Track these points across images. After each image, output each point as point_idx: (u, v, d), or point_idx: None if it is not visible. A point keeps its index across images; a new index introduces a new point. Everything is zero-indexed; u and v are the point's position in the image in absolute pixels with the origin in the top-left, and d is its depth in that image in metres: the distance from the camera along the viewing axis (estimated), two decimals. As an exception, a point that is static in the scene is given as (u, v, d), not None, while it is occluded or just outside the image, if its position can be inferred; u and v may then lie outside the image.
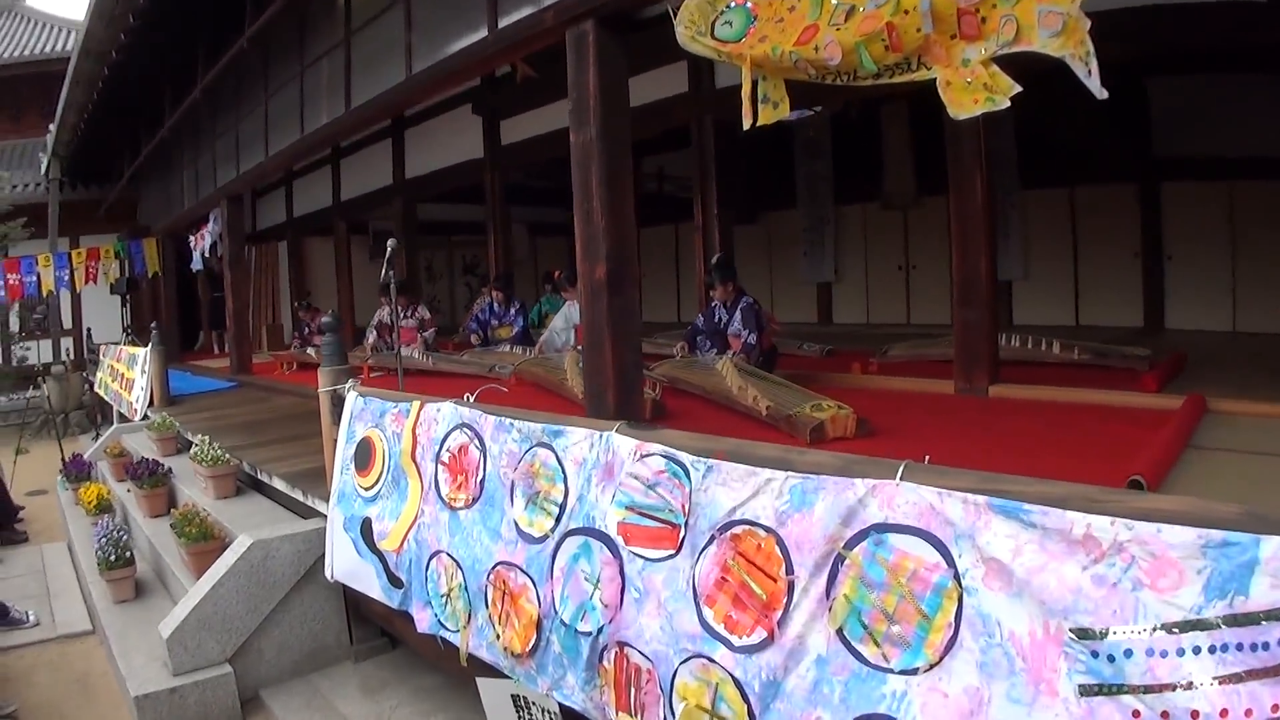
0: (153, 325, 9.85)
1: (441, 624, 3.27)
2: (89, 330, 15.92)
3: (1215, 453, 3.97)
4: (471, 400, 3.32)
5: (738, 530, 2.21)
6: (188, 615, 4.38)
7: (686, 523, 2.32)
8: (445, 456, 3.22)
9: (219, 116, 10.91)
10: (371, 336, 9.79)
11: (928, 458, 2.08)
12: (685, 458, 2.34)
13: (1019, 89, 2.98)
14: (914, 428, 4.71)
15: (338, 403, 4.22)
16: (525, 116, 9.69)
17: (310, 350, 10.66)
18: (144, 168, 15.36)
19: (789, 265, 13.51)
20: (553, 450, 2.71)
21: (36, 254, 14.13)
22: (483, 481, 3.00)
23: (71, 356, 14.97)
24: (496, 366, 7.97)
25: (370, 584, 3.78)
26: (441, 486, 3.23)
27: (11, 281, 13.56)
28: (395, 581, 3.58)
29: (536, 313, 11.49)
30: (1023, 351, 6.84)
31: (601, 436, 2.55)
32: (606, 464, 2.53)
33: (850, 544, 2.00)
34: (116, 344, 11.38)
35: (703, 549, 2.26)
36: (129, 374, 9.85)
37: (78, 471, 8.13)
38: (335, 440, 4.16)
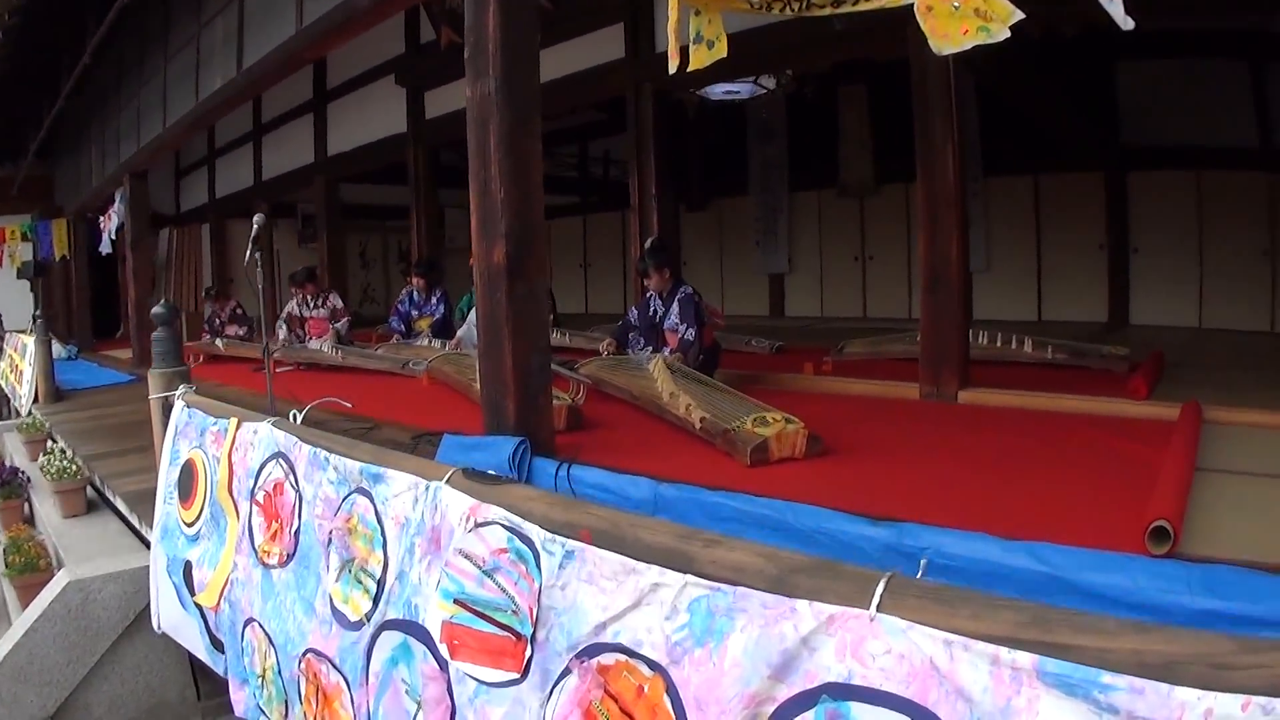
0: (35, 313, 8.91)
1: (261, 710, 2.51)
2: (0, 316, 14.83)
3: (1228, 477, 3.37)
4: (299, 418, 2.54)
5: (608, 659, 1.45)
6: (0, 664, 3.60)
7: (535, 635, 1.56)
8: (260, 495, 2.45)
9: (124, 85, 10.01)
10: (282, 330, 8.93)
11: (924, 563, 1.33)
12: (535, 533, 1.56)
13: (1020, 16, 2.28)
14: (875, 444, 4.01)
15: (170, 413, 3.41)
16: (451, 87, 8.88)
17: (219, 342, 9.77)
18: (54, 143, 14.36)
19: (741, 255, 13.01)
20: (372, 501, 1.95)
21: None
22: (297, 533, 2.23)
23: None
24: (410, 363, 7.17)
25: (195, 642, 3.02)
26: (255, 534, 2.46)
27: (-101, 265, 12.45)
28: (217, 644, 2.82)
29: (466, 303, 10.68)
30: (992, 350, 6.27)
31: (428, 489, 1.77)
32: (433, 530, 1.76)
33: (786, 714, 1.22)
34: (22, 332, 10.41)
35: (558, 680, 1.51)
36: (21, 365, 8.95)
37: (-55, 475, 7.19)
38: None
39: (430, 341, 8.13)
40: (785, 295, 12.66)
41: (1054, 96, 8.05)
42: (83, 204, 12.89)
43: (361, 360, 7.77)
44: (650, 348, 5.74)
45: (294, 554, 2.24)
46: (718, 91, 9.53)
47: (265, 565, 2.38)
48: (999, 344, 6.30)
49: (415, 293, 8.69)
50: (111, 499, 4.76)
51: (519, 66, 3.53)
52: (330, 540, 2.07)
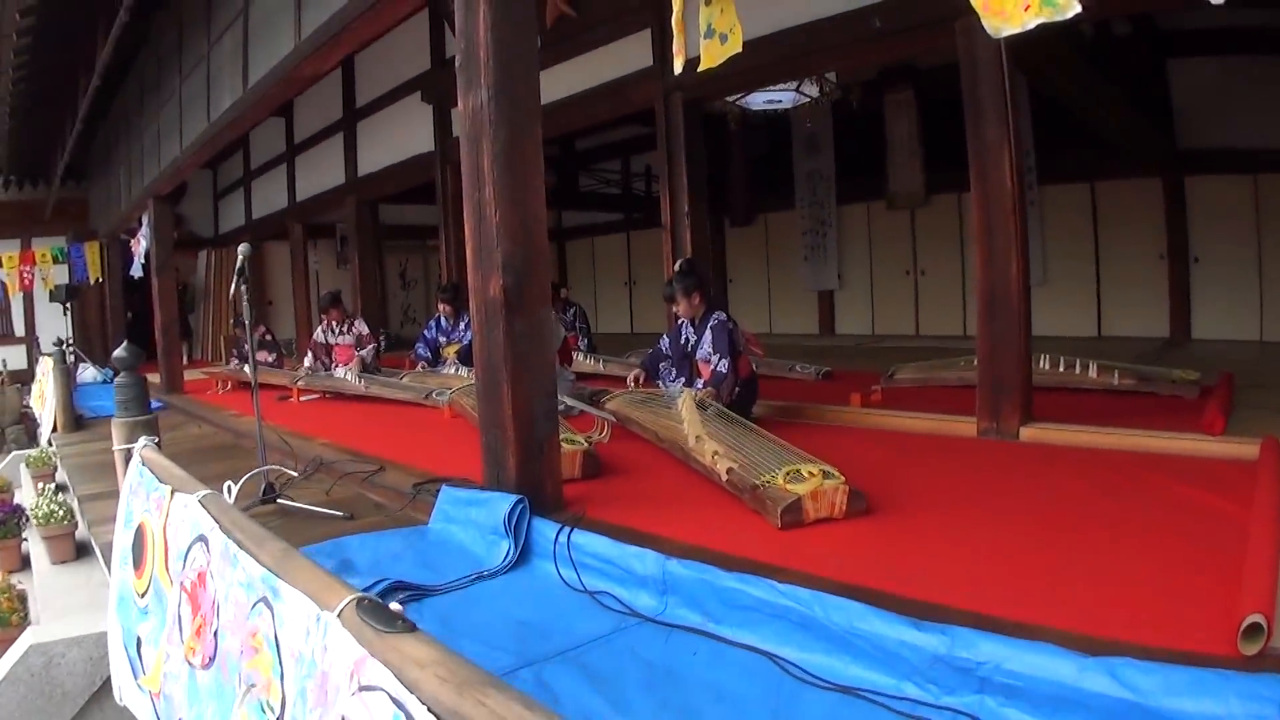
0: (56, 341, 8.72)
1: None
2: (39, 340, 14.82)
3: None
4: (233, 492, 2.14)
5: None
6: (-43, 741, 3.27)
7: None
8: (186, 582, 2.05)
9: (145, 107, 9.85)
10: (309, 358, 8.65)
11: None
12: (419, 714, 1.11)
13: (1085, -4, 1.89)
14: (926, 499, 3.50)
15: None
16: (479, 103, 8.52)
17: (247, 369, 9.49)
18: (88, 166, 14.37)
19: (789, 271, 12.60)
20: (273, 619, 1.54)
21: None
22: (216, 635, 1.83)
23: (7, 368, 13.78)
24: (434, 393, 6.82)
25: (148, 723, 2.63)
26: (183, 626, 2.06)
27: (-72, 288, 12.39)
28: (164, 737, 2.44)
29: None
30: (1054, 375, 5.75)
31: (319, 620, 1.34)
32: (322, 675, 1.33)
33: None
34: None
35: None
36: (45, 391, 8.77)
37: (-48, 509, 6.96)
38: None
39: (457, 369, 7.77)
40: (835, 312, 12.18)
41: (1108, 98, 7.52)
42: (114, 226, 12.77)
43: (385, 390, 7.44)
44: (682, 379, 5.29)
45: (214, 658, 1.85)
46: (758, 101, 9.08)
47: (190, 664, 1.99)
48: (1061, 369, 5.77)
49: (443, 319, 8.34)
50: (94, 549, 4.42)
51: (515, 74, 3.13)
52: (240, 657, 1.67)
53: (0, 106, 10.72)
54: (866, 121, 10.55)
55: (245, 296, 4.03)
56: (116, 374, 3.39)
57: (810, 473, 3.25)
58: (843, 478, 3.24)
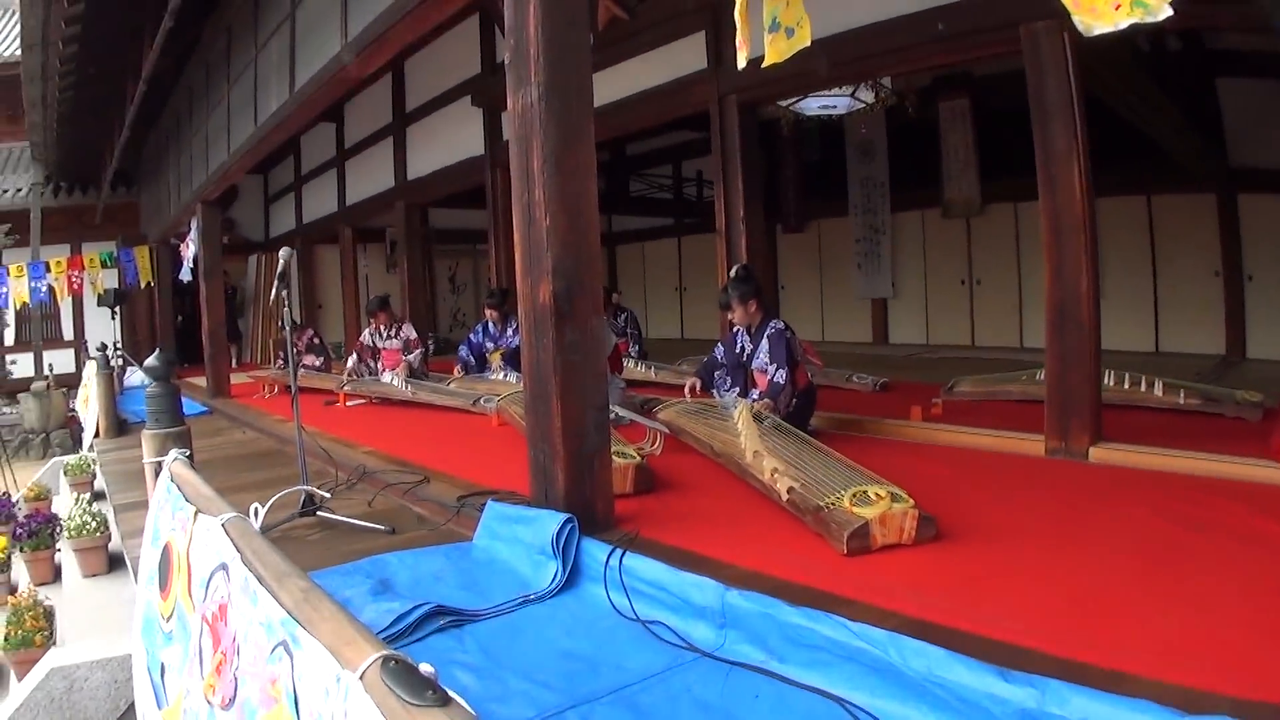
0: (100, 345, 8.73)
1: None
2: (87, 344, 14.99)
3: None
4: (259, 514, 1.99)
5: None
6: (-15, 755, 3.19)
7: None
8: (209, 612, 1.90)
9: (194, 113, 9.88)
10: (352, 359, 8.57)
11: None
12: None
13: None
14: (999, 525, 3.27)
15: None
16: (529, 106, 8.41)
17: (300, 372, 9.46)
18: (138, 171, 14.52)
19: (842, 279, 12.39)
20: (292, 668, 1.37)
21: (9, 264, 13.13)
22: (236, 676, 1.67)
23: (53, 372, 13.93)
24: (482, 399, 6.69)
25: (172, 762, 2.50)
26: (204, 660, 1.91)
27: (-23, 293, 12.53)
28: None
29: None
30: (1119, 393, 5.51)
31: (339, 681, 1.17)
32: None
33: None
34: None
35: None
36: (90, 395, 8.78)
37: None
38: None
39: (505, 375, 7.64)
40: (889, 321, 11.93)
41: (1164, 111, 7.29)
42: (164, 231, 12.85)
43: (432, 396, 7.33)
44: (737, 389, 5.10)
45: (234, 700, 1.69)
46: (813, 106, 8.90)
47: (209, 702, 1.84)
48: (1127, 385, 5.53)
49: (490, 325, 8.22)
50: (126, 562, 4.32)
51: (566, 71, 2.98)
52: (258, 705, 1.52)
53: (49, 113, 10.86)
54: (922, 129, 10.36)
55: (286, 303, 3.91)
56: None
57: (878, 495, 3.05)
58: (912, 501, 3.03)
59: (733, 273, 5.33)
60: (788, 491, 3.24)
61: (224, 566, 1.80)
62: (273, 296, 3.87)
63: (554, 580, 2.79)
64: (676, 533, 3.11)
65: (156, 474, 2.93)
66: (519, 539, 3.05)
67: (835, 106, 9.12)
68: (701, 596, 2.45)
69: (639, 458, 3.84)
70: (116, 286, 14.22)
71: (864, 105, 9.08)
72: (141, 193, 15.08)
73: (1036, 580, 2.68)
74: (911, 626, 2.22)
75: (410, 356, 8.25)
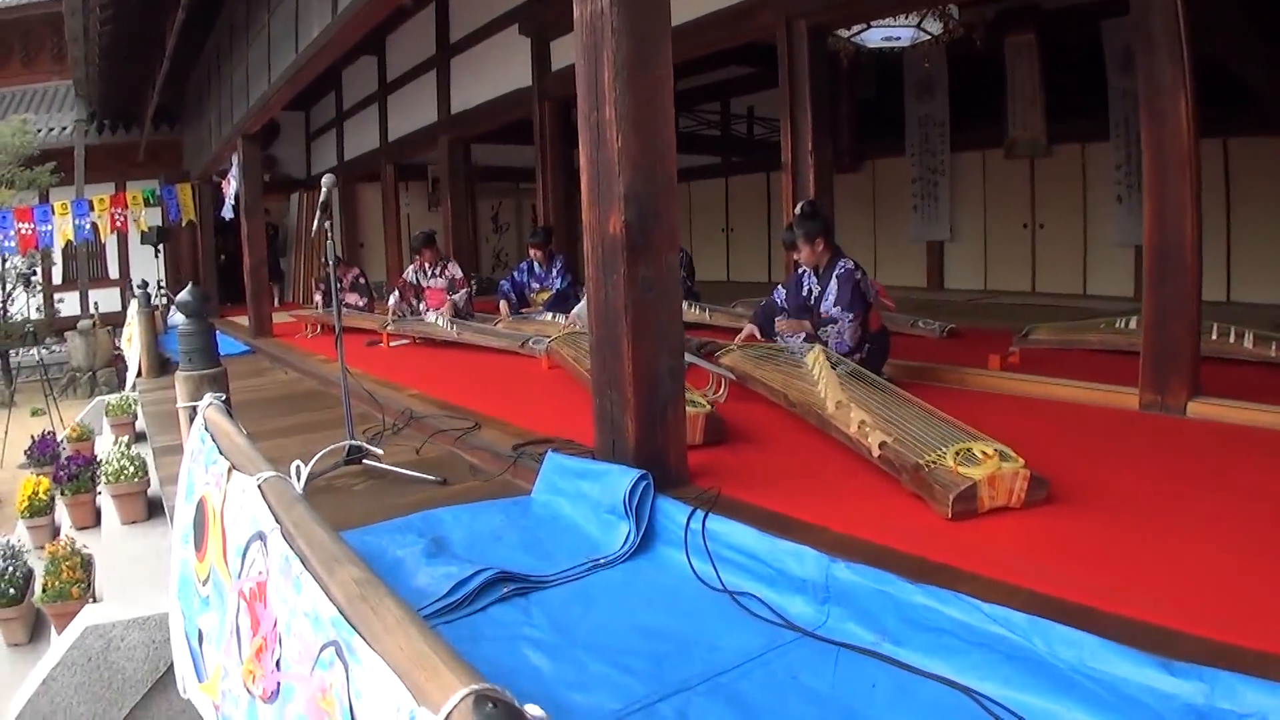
0: (142, 282, 8.56)
1: None
2: (131, 282, 14.91)
3: None
4: (303, 475, 1.72)
5: None
6: (21, 714, 3.01)
7: None
8: (246, 587, 1.63)
9: (234, 46, 9.58)
10: (394, 297, 8.32)
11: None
12: None
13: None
14: (1112, 487, 2.94)
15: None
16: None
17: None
18: (181, 109, 14.32)
19: (897, 221, 11.95)
20: (347, 677, 1.09)
21: (54, 202, 12.97)
22: (278, 665, 1.40)
23: (99, 310, 13.89)
24: (531, 340, 6.42)
25: (213, 730, 2.28)
26: (242, 640, 1.65)
27: (24, 231, 12.30)
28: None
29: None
30: (1207, 343, 5.11)
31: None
32: None
33: None
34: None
35: None
36: (133, 334, 8.64)
37: (42, 454, 6.84)
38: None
39: (554, 316, 7.37)
40: (945, 265, 11.49)
41: (1252, 46, 6.74)
42: (206, 167, 12.65)
43: (478, 337, 7.07)
44: (823, 335, 4.76)
45: (276, 694, 1.43)
46: (875, 39, 8.43)
47: (249, 691, 1.58)
48: (1215, 336, 5.15)
49: (535, 264, 7.93)
50: (166, 509, 4.12)
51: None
52: (306, 705, 1.25)
53: (90, 47, 10.64)
54: (984, 66, 9.81)
55: (329, 234, 3.62)
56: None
57: (985, 453, 2.73)
58: (1022, 461, 2.72)
59: (798, 209, 4.97)
60: (879, 447, 2.93)
61: (261, 536, 1.53)
62: (314, 228, 3.60)
63: (626, 543, 2.52)
64: (757, 491, 2.82)
65: (191, 420, 2.69)
66: (584, 495, 2.78)
67: (899, 38, 8.66)
68: (800, 567, 2.16)
69: (709, 405, 3.54)
70: (160, 224, 14.07)
71: (929, 37, 8.62)
72: (184, 130, 14.88)
73: (1166, 552, 2.38)
74: (1041, 605, 1.95)
75: (455, 296, 7.99)
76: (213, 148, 11.48)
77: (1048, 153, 10.03)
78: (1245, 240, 8.53)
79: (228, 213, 10.98)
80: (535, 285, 7.95)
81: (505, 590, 2.25)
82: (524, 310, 7.86)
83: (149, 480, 4.58)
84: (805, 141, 5.67)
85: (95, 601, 3.72)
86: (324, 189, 3.53)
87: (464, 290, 8.10)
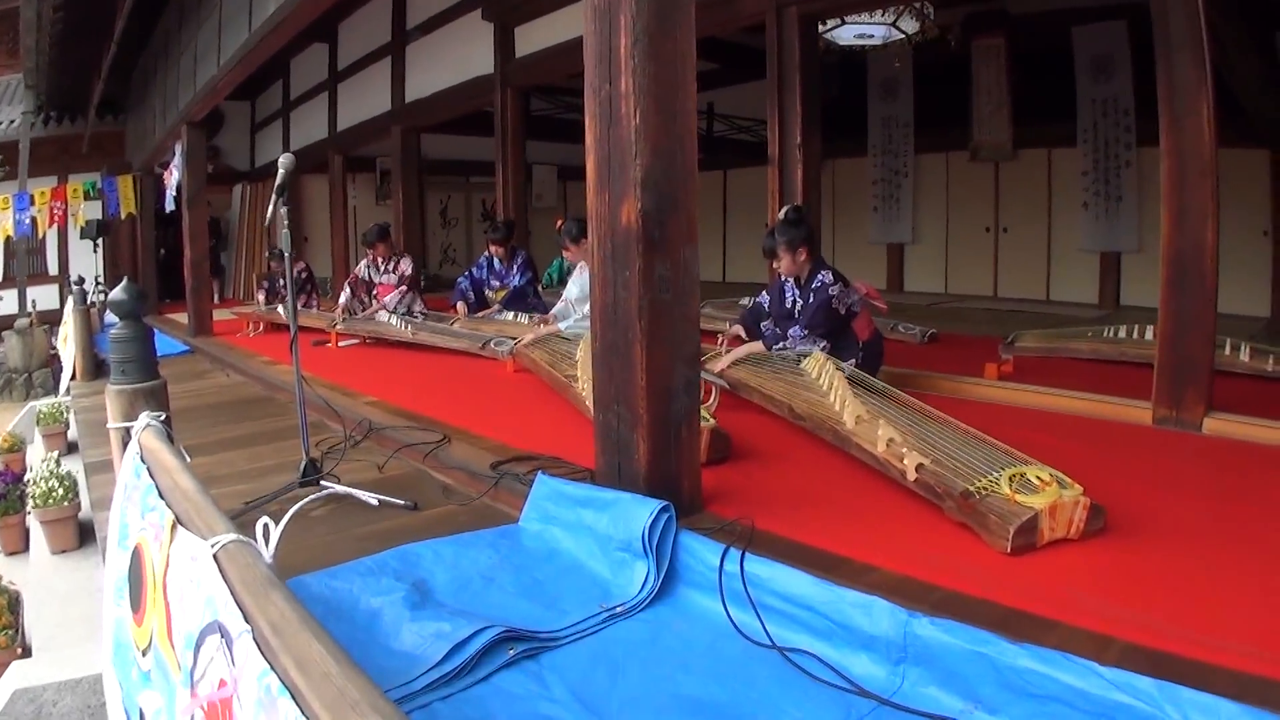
0: (78, 279, 8.00)
1: None
2: (70, 279, 14.16)
3: None
4: (270, 538, 1.30)
5: None
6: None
7: None
8: (204, 697, 1.23)
9: (184, 30, 9.03)
10: (345, 294, 7.84)
11: None
12: None
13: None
14: (1160, 513, 2.67)
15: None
16: (547, 20, 7.68)
17: (282, 309, 8.74)
18: (126, 98, 13.65)
19: (857, 222, 11.76)
20: None
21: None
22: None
23: (36, 308, 13.12)
24: (492, 342, 6.02)
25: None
26: (197, 746, 1.26)
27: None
28: None
29: (557, 268, 9.56)
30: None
31: None
32: None
33: None
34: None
35: None
36: (69, 333, 8.08)
37: (-42, 462, 6.26)
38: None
39: (517, 316, 6.97)
40: (905, 268, 11.33)
41: (1247, 58, 6.70)
42: (148, 158, 12.01)
43: (435, 337, 6.64)
44: (785, 344, 4.45)
45: None
46: (848, 36, 8.24)
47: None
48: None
49: (496, 261, 7.51)
50: (98, 540, 3.62)
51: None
52: None
53: (42, 37, 10.13)
54: (950, 68, 9.77)
55: (285, 221, 3.20)
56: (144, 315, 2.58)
57: (1040, 478, 2.43)
58: (1081, 488, 2.42)
59: (782, 214, 4.63)
60: (916, 469, 2.61)
61: (221, 631, 1.14)
62: (269, 213, 3.16)
63: (645, 587, 2.16)
64: (780, 519, 2.48)
65: (124, 443, 2.25)
66: (588, 527, 2.40)
67: (873, 36, 8.50)
68: (870, 622, 1.82)
69: (712, 419, 3.19)
70: (99, 218, 13.41)
71: (903, 36, 8.46)
72: (128, 120, 14.18)
73: (1246, 587, 2.14)
74: (1140, 659, 1.69)
75: (388, 299, 7.53)
76: (156, 137, 10.89)
77: (1013, 157, 9.94)
78: (1226, 251, 8.47)
79: (169, 204, 10.41)
80: (495, 283, 7.52)
81: (511, 653, 1.86)
82: (482, 312, 7.42)
83: (80, 504, 4.08)
84: (794, 134, 5.37)
85: (24, 650, 3.26)
86: (281, 170, 3.11)
87: (397, 293, 7.61)
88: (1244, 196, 8.19)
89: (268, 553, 1.25)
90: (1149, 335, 5.11)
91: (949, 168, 10.81)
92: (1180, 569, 2.26)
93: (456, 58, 9.04)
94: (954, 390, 4.63)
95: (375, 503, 3.01)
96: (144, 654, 1.69)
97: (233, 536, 1.25)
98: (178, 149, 9.13)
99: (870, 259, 11.57)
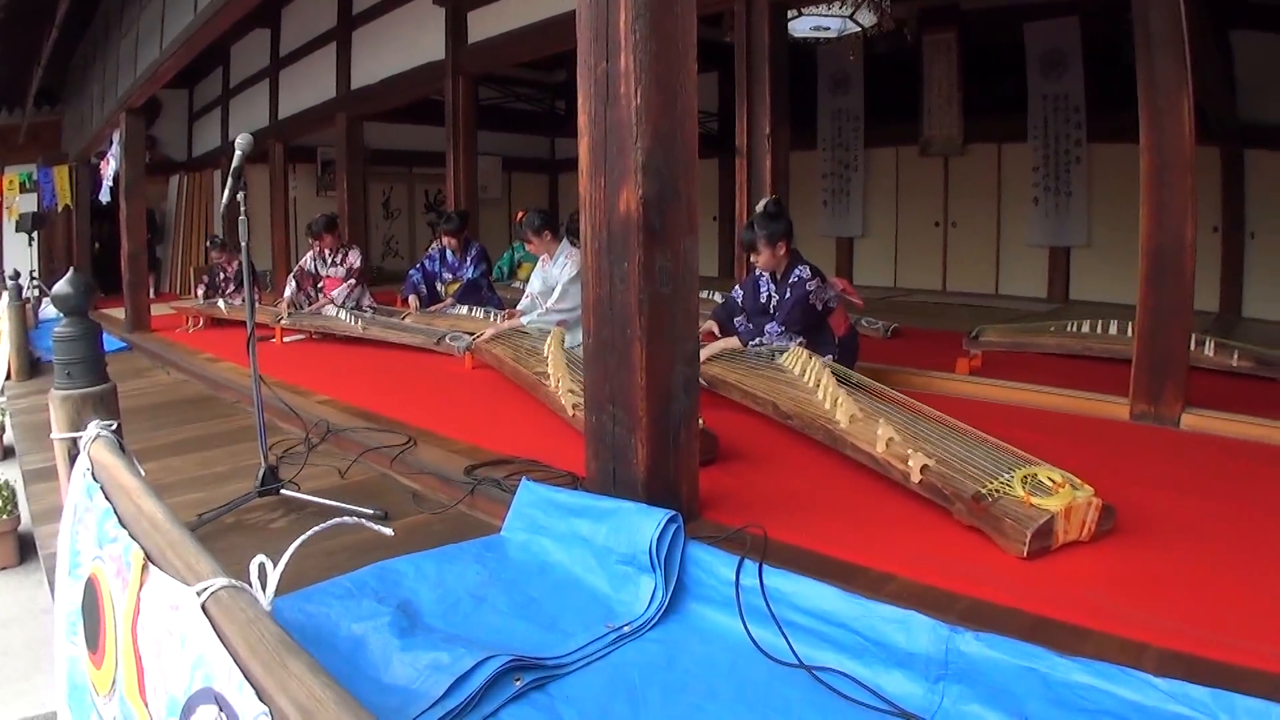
0: (13, 273, 7.61)
1: None
2: (4, 273, 13.56)
3: None
4: (267, 583, 1.12)
5: None
6: None
7: None
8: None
9: (125, 15, 8.67)
10: (290, 287, 7.55)
11: None
12: None
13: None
14: (1161, 511, 2.61)
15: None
16: (500, 4, 7.47)
17: (222, 304, 8.40)
18: (64, 88, 13.23)
19: (807, 216, 11.65)
20: None
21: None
22: None
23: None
24: (448, 337, 5.82)
25: None
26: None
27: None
28: None
29: (508, 260, 9.36)
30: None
31: None
32: None
33: None
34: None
35: None
36: (2, 330, 7.65)
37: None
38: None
39: (472, 310, 6.76)
40: (854, 261, 11.33)
41: (1209, 56, 6.85)
42: (85, 148, 11.60)
43: (386, 332, 6.41)
44: (761, 340, 4.34)
45: None
46: (804, 28, 8.15)
47: None
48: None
49: (449, 252, 7.28)
50: (40, 558, 3.32)
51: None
52: None
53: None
54: (901, 62, 9.80)
55: (244, 207, 2.97)
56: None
57: (1053, 480, 2.33)
58: (1092, 489, 2.34)
59: (761, 207, 4.51)
60: (922, 471, 2.49)
61: (219, 703, 0.96)
62: (225, 199, 2.94)
63: (653, 604, 2.00)
64: (785, 526, 2.34)
65: (71, 458, 2.02)
66: (582, 538, 2.24)
67: (829, 29, 8.43)
68: (907, 638, 1.69)
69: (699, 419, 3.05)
70: (35, 210, 12.88)
71: (859, 29, 8.41)
72: (65, 109, 13.69)
73: (1262, 589, 2.10)
74: (1180, 666, 1.63)
75: (335, 292, 7.28)
76: (94, 126, 10.49)
77: (963, 151, 10.00)
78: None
79: (105, 195, 9.99)
80: (448, 275, 7.29)
81: (518, 684, 1.68)
82: (435, 306, 7.19)
83: (19, 516, 3.79)
84: (763, 124, 5.25)
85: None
86: (239, 152, 2.87)
87: (344, 286, 7.36)
88: (1199, 192, 8.38)
89: (265, 598, 1.06)
90: (1113, 330, 5.14)
91: (899, 162, 10.83)
92: (1195, 570, 2.21)
93: (406, 43, 8.78)
94: (926, 386, 4.55)
95: (391, 532, 2.81)
96: (106, 699, 1.49)
97: (223, 581, 1.07)
98: (115, 138, 8.75)
99: (820, 252, 11.51)
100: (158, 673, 1.18)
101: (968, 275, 10.11)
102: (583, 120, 2.26)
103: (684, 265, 2.24)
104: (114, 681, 1.43)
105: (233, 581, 1.07)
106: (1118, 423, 3.87)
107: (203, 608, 1.04)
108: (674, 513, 2.09)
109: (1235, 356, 4.71)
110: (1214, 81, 7.56)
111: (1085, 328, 5.32)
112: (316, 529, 1.47)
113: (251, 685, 0.90)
